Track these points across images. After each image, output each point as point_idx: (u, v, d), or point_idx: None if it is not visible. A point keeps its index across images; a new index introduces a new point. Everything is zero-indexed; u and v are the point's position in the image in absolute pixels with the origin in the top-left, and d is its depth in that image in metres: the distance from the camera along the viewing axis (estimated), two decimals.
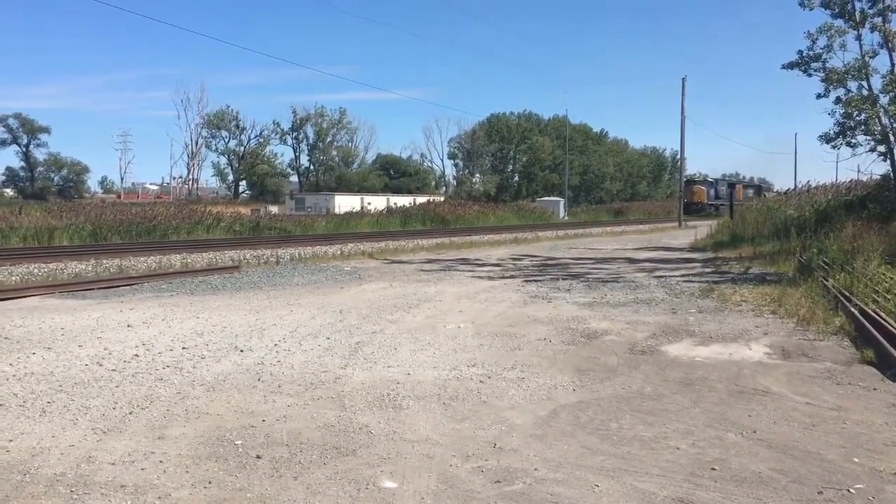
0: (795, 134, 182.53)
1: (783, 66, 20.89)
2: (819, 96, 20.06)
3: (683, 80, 50.41)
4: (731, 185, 73.36)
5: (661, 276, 15.46)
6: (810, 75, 20.17)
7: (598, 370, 7.10)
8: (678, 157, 77.12)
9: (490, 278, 15.21)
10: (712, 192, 72.15)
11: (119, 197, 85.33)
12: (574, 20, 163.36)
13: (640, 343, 8.37)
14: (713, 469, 4.51)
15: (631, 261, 20.12)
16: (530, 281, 14.69)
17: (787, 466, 4.56)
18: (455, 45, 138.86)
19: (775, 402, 6.00)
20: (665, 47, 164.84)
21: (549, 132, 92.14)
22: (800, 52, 20.29)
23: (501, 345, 8.27)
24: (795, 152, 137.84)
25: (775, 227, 22.40)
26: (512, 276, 15.61)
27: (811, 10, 19.87)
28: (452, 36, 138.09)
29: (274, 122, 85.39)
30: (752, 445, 4.95)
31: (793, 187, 34.09)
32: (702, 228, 32.96)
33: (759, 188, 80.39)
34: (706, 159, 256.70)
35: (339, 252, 21.36)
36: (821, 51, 19.80)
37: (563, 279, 14.95)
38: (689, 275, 15.85)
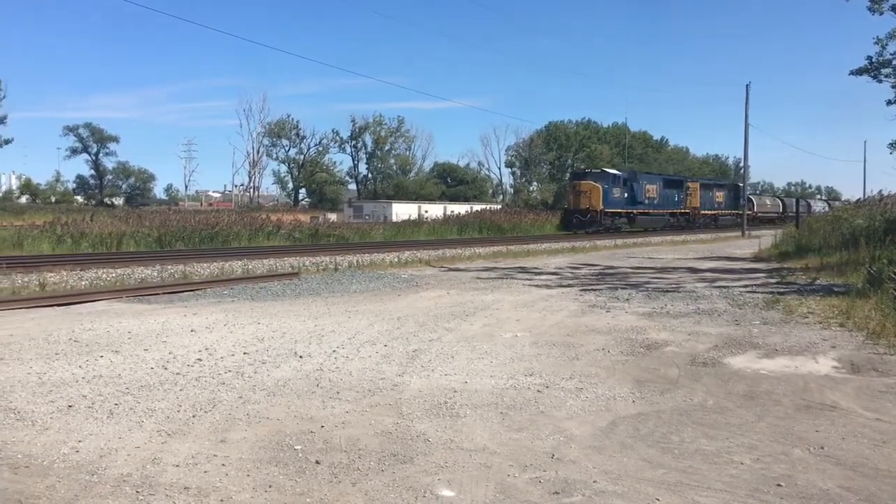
0: (865, 142, 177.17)
1: (851, 73, 20.38)
2: (889, 103, 19.47)
3: (747, 86, 49.11)
4: (711, 187, 59.53)
5: (724, 287, 15.15)
6: (881, 81, 19.60)
7: (658, 382, 6.99)
8: (741, 164, 70.14)
9: (547, 287, 15.11)
10: (619, 193, 45.09)
11: (211, 204, 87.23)
12: (635, 27, 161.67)
13: (701, 355, 8.20)
14: (779, 485, 4.39)
15: (692, 270, 19.76)
16: (588, 290, 14.55)
17: (857, 484, 4.41)
18: (514, 53, 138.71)
19: (844, 418, 5.81)
20: (728, 52, 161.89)
21: (607, 140, 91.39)
22: (869, 57, 19.73)
23: (559, 354, 8.20)
24: (865, 160, 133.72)
25: (843, 238, 21.74)
26: (570, 285, 15.48)
27: (881, 13, 19.31)
28: (511, 45, 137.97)
29: (333, 131, 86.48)
30: (820, 462, 4.80)
31: (862, 196, 32.96)
32: (766, 238, 32.20)
33: (737, 188, 62.39)
34: (769, 167, 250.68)
35: (396, 259, 21.49)
36: (891, 56, 19.22)
37: (622, 289, 14.77)
38: (752, 285, 15.49)
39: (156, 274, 16.40)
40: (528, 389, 6.62)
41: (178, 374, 7.01)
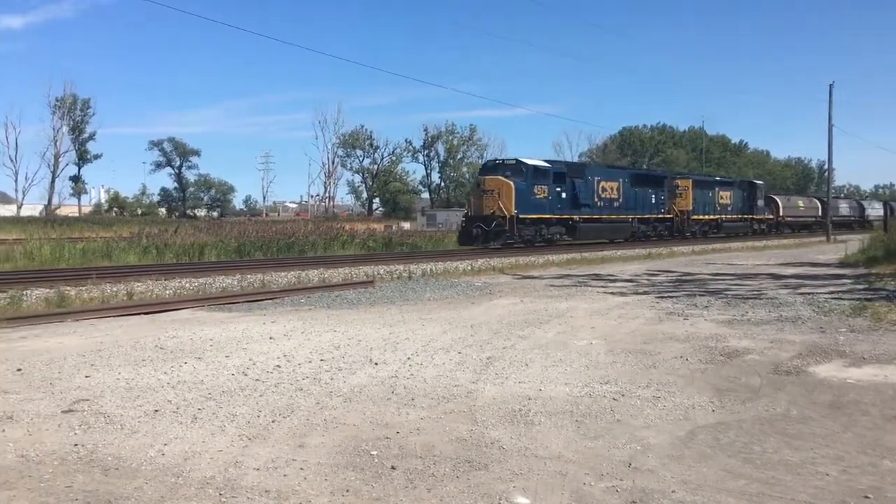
0: None
1: None
2: None
3: (831, 86, 47.48)
4: (708, 184, 47.42)
5: (808, 293, 14.66)
6: None
7: (739, 390, 6.81)
8: (825, 167, 65.92)
9: (623, 294, 14.91)
10: (545, 192, 32.05)
11: (298, 214, 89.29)
12: (713, 27, 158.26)
13: (784, 363, 7.96)
14: (866, 497, 4.23)
15: (774, 277, 19.19)
16: (665, 297, 14.29)
17: None
18: (588, 59, 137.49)
19: None
20: (812, 51, 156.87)
21: (684, 144, 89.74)
22: None
23: (635, 362, 8.08)
24: None
25: None
26: (646, 293, 15.23)
27: None
28: (585, 50, 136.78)
29: (406, 141, 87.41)
30: None
31: None
32: (852, 243, 31.04)
33: (752, 187, 52.53)
34: (856, 170, 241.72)
35: (469, 267, 21.52)
36: None
37: (701, 295, 14.45)
38: (838, 292, 14.95)
39: (236, 283, 16.83)
40: (603, 397, 6.54)
41: (257, 380, 7.18)
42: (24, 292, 13.37)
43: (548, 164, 33.33)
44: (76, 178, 67.32)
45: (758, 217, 50.82)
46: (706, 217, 45.46)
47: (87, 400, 6.35)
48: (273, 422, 5.77)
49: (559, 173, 33.17)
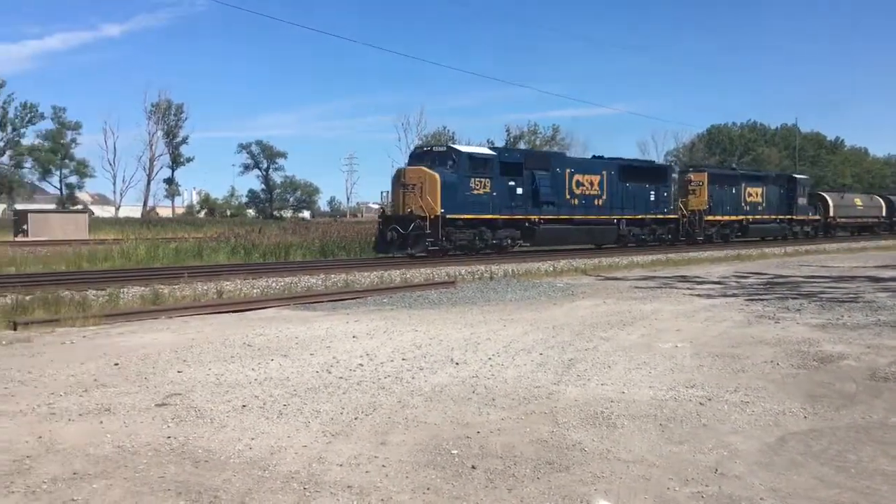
0: None
1: None
2: None
3: None
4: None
5: None
6: None
7: (832, 397, 6.55)
8: None
9: (710, 296, 14.53)
10: (485, 186, 25.10)
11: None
12: (807, 21, 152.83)
13: (882, 369, 7.61)
14: None
15: (873, 280, 18.37)
16: (755, 300, 13.86)
17: None
18: (675, 57, 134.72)
19: None
20: None
21: (776, 143, 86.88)
22: None
23: (723, 366, 7.86)
24: None
25: None
26: (734, 295, 14.81)
27: None
28: (672, 48, 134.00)
29: (488, 141, 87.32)
30: None
31: None
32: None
33: (792, 182, 43.74)
34: None
35: (551, 268, 21.36)
36: None
37: (793, 298, 13.95)
38: None
39: (320, 282, 17.15)
40: (689, 401, 6.39)
41: (341, 378, 7.30)
42: (122, 290, 13.96)
43: (492, 152, 26.58)
44: (170, 181, 69.73)
45: (798, 217, 42.86)
46: (726, 218, 37.41)
47: (180, 394, 6.58)
48: (356, 419, 5.86)
49: (511, 164, 26.36)
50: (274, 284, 16.41)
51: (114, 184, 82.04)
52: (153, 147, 68.50)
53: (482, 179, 24.99)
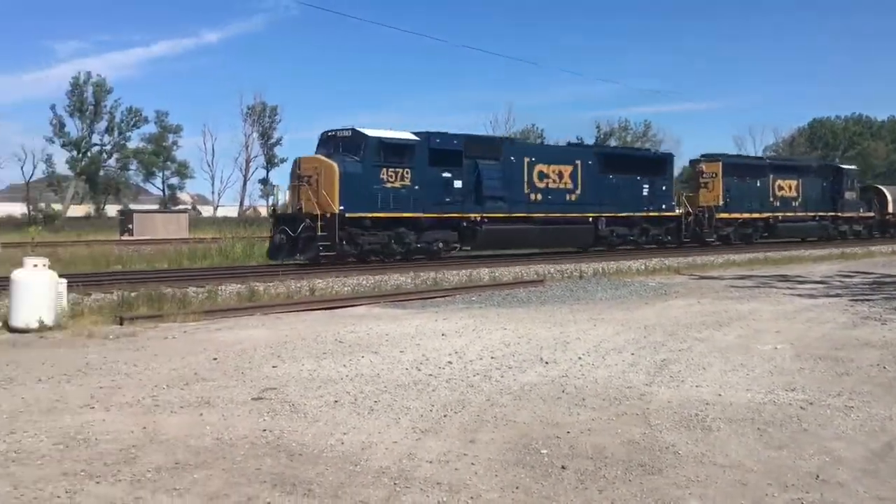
0: None
1: None
2: None
3: None
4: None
5: None
6: None
7: None
8: None
9: (812, 296, 13.97)
10: (402, 178, 20.55)
11: None
12: None
13: None
14: None
15: None
16: (860, 300, 13.24)
17: None
18: (773, 48, 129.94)
19: None
20: None
21: (882, 136, 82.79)
22: None
23: (825, 369, 7.54)
24: None
25: None
26: (838, 295, 14.19)
27: None
28: (771, 38, 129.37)
29: (577, 139, 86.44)
30: None
31: None
32: None
33: (838, 173, 37.09)
34: None
35: (643, 267, 20.95)
36: None
37: None
38: None
39: (409, 281, 17.31)
40: (789, 405, 6.16)
41: (430, 375, 7.35)
42: (220, 287, 14.44)
43: (414, 138, 21.24)
44: (265, 181, 71.60)
45: (845, 214, 36.22)
46: (746, 215, 31.38)
47: (275, 389, 6.76)
48: (445, 416, 5.89)
49: (444, 151, 21.50)
50: (364, 282, 16.66)
51: (212, 184, 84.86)
52: (249, 148, 70.63)
53: (399, 170, 20.40)
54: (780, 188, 33.25)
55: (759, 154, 65.31)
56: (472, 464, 4.80)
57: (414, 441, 5.27)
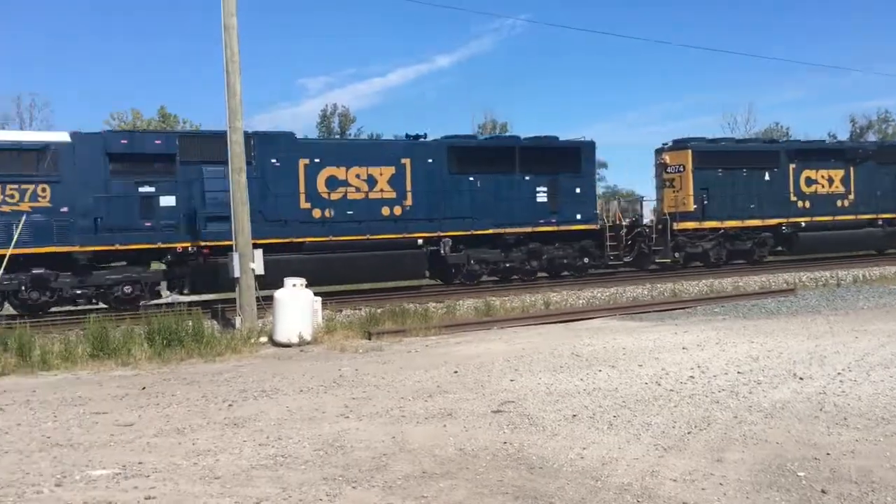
0: None
1: None
2: None
3: None
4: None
5: None
6: None
7: None
8: None
9: None
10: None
11: None
12: None
13: None
14: None
15: None
16: None
17: None
18: None
19: None
20: None
21: None
22: None
23: None
24: None
25: None
26: None
27: None
28: None
29: (829, 135, 79.70)
30: None
31: None
32: None
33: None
34: None
35: None
36: None
37: None
38: None
39: (645, 292, 16.90)
40: None
41: (671, 390, 7.10)
42: (458, 302, 14.96)
43: (54, 139, 15.28)
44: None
45: None
46: (735, 223, 21.98)
47: (513, 402, 6.86)
48: (688, 433, 5.65)
49: (137, 156, 15.59)
50: (599, 294, 16.52)
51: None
52: None
53: (27, 186, 14.55)
54: (813, 181, 23.35)
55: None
56: (721, 484, 4.56)
57: (657, 458, 5.11)
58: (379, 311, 13.47)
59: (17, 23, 61.39)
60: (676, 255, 21.35)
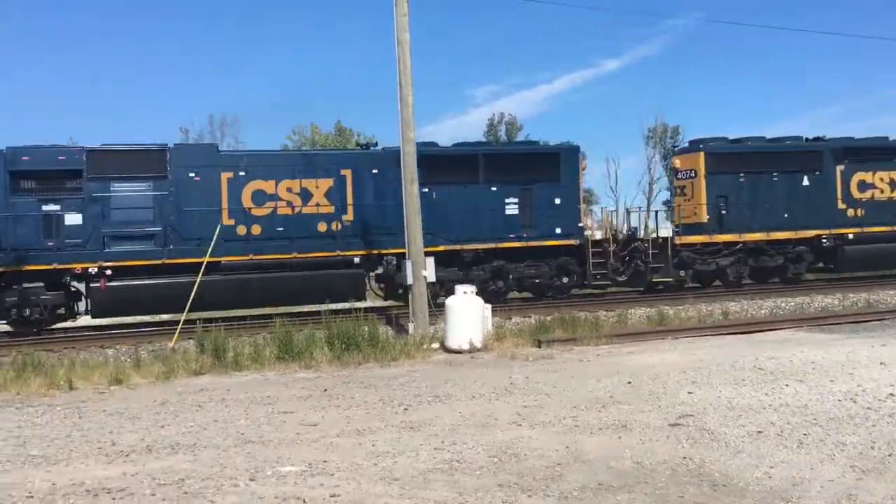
0: None
1: None
2: None
3: None
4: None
5: None
6: None
7: None
8: None
9: None
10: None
11: None
12: None
13: None
14: None
15: None
16: None
17: None
18: None
19: None
20: None
21: None
22: None
23: None
24: None
25: None
26: None
27: None
28: None
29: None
30: None
31: None
32: None
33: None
34: None
35: None
36: None
37: None
38: None
39: (836, 302, 15.83)
40: None
41: (868, 408, 6.56)
42: (629, 311, 14.63)
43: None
44: (669, 203, 70.91)
45: None
46: (759, 237, 18.66)
47: (691, 415, 6.59)
48: (890, 455, 5.21)
49: (40, 173, 15.03)
50: (783, 304, 15.65)
51: (615, 208, 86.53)
52: (651, 170, 70.89)
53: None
54: (868, 185, 19.73)
55: None
56: None
57: (854, 480, 4.74)
58: (548, 318, 13.41)
59: (212, 44, 66.65)
60: (682, 273, 18.47)
